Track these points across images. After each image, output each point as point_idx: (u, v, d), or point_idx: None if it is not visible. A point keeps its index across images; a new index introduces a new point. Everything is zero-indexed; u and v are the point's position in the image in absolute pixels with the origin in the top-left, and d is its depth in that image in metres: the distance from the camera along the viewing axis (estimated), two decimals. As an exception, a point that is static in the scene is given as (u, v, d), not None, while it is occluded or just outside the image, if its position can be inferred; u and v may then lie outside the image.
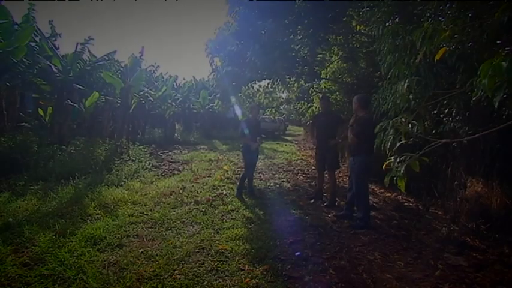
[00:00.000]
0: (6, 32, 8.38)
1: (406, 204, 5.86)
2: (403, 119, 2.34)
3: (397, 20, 3.68)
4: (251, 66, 7.64)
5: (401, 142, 2.30)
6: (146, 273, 3.10)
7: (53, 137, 9.01)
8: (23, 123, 9.84)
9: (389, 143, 2.37)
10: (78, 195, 5.32)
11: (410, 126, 2.32)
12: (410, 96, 2.48)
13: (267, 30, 7.32)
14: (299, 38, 7.66)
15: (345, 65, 9.04)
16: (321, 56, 8.60)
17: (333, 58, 9.55)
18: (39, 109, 10.63)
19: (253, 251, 3.68)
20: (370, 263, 3.51)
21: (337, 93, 10.13)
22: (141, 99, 12.28)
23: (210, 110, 18.86)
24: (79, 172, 6.40)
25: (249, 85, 10.51)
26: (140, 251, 3.54)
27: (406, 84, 2.34)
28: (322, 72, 9.84)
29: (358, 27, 7.74)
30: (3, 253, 3.31)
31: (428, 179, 5.39)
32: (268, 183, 7.24)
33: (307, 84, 11.70)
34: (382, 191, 6.79)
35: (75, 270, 3.06)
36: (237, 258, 3.50)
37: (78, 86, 10.25)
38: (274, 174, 8.33)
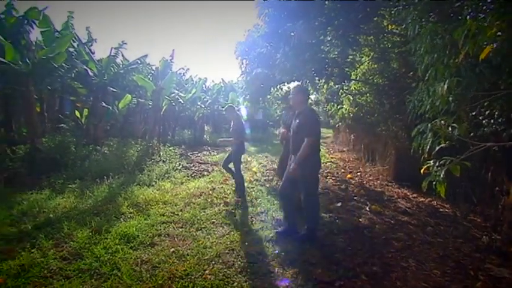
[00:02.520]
0: (48, 39, 8.85)
1: (441, 210, 5.63)
2: (442, 122, 2.24)
3: (434, 18, 3.54)
4: (281, 68, 7.59)
5: (441, 145, 2.21)
6: (177, 272, 3.16)
7: (89, 138, 9.39)
8: (62, 125, 10.32)
9: (428, 146, 2.27)
10: (112, 194, 5.51)
11: (450, 129, 2.22)
12: (450, 98, 2.36)
13: (297, 31, 7.26)
14: (329, 39, 7.56)
15: (376, 65, 8.82)
16: (351, 57, 8.42)
17: (363, 59, 9.34)
18: (76, 111, 11.13)
19: (282, 253, 3.65)
20: (404, 270, 3.39)
21: (368, 94, 9.90)
22: (172, 101, 12.53)
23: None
24: (113, 172, 6.61)
25: (278, 87, 10.44)
26: (171, 250, 3.61)
27: (446, 86, 2.24)
28: (353, 73, 9.65)
29: (390, 26, 7.53)
30: (45, 247, 3.50)
31: (466, 184, 5.14)
32: (297, 186, 7.18)
33: (337, 86, 11.50)
34: (415, 195, 6.56)
35: (110, 266, 3.17)
36: (267, 260, 3.49)
37: (112, 89, 10.63)
38: (303, 177, 8.25)
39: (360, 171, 9.45)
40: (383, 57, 8.13)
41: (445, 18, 2.95)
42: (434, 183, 2.08)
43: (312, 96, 19.23)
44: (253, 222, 4.67)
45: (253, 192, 6.29)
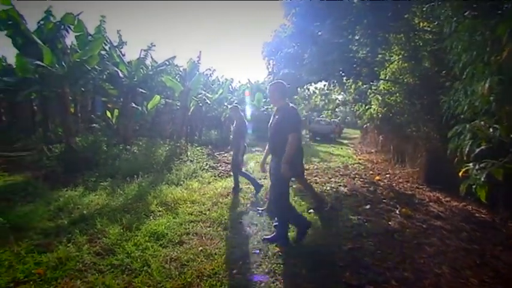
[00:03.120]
0: (82, 43, 9.22)
1: (477, 215, 5.39)
2: (482, 123, 2.13)
3: (470, 14, 3.38)
4: (308, 68, 7.55)
5: (481, 147, 2.10)
6: (206, 270, 3.19)
7: (119, 138, 9.68)
8: (94, 125, 10.70)
9: (467, 148, 2.17)
10: (141, 192, 5.64)
11: (491, 130, 2.11)
12: (491, 98, 2.24)
13: (325, 31, 7.20)
14: (357, 38, 7.43)
15: (406, 64, 8.57)
16: (380, 56, 8.22)
17: (393, 58, 9.09)
18: (107, 112, 11.50)
19: (310, 255, 3.61)
20: (438, 277, 3.26)
21: (397, 94, 9.63)
22: (199, 102, 12.71)
23: (265, 112, 18.98)
24: (142, 171, 6.77)
25: (305, 87, 10.38)
26: (200, 248, 3.65)
27: (487, 85, 2.13)
28: (381, 72, 9.42)
29: (421, 24, 7.29)
30: (80, 242, 3.64)
31: (506, 189, 4.89)
32: (324, 187, 7.09)
33: (365, 86, 11.28)
34: (448, 199, 6.32)
35: (140, 263, 3.25)
36: (293, 261, 3.46)
37: (141, 90, 10.91)
38: (330, 178, 8.13)
39: (388, 173, 9.21)
40: (414, 56, 7.88)
41: (484, 14, 2.81)
42: (474, 186, 1.98)
43: (339, 97, 19.04)
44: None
45: (280, 193, 6.26)
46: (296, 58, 8.19)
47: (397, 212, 5.41)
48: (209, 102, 13.86)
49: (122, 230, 4.00)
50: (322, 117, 22.43)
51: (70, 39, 9.89)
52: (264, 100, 18.39)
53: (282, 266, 3.36)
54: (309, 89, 12.10)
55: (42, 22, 9.25)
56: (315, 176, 8.24)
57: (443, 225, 4.83)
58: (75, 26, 9.21)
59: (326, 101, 19.24)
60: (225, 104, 15.81)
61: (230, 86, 18.18)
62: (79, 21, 9.17)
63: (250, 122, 16.85)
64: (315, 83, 9.84)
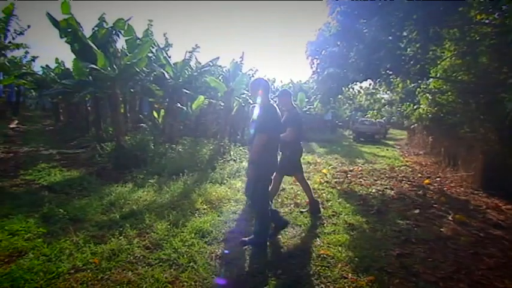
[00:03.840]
0: (131, 46, 9.66)
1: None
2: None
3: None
4: (354, 67, 7.34)
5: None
6: (251, 269, 3.22)
7: (165, 137, 10.02)
8: (141, 124, 11.18)
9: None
10: (187, 190, 5.79)
11: None
12: None
13: (371, 28, 6.95)
14: (405, 34, 7.08)
15: (460, 61, 8.04)
16: (431, 52, 7.76)
17: (445, 54, 8.55)
18: (154, 112, 11.97)
19: (356, 259, 3.51)
20: (499, 290, 3.02)
21: (449, 93, 9.09)
22: (241, 102, 12.82)
23: (307, 112, 18.77)
24: (187, 169, 6.95)
25: (349, 86, 10.10)
26: (244, 247, 3.67)
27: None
28: (432, 70, 8.92)
29: (478, 16, 6.79)
30: (130, 235, 3.81)
31: None
32: (370, 190, 6.86)
33: (413, 85, 10.76)
34: (509, 207, 5.88)
35: (187, 258, 3.33)
36: (340, 265, 3.38)
37: (186, 91, 11.22)
38: (376, 180, 7.86)
39: (439, 177, 8.73)
40: (469, 52, 7.36)
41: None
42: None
43: (385, 96, 18.33)
44: (325, 225, 4.56)
45: (324, 195, 6.16)
46: (341, 57, 7.98)
47: (450, 218, 5.11)
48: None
49: (169, 226, 4.13)
50: (367, 117, 21.76)
51: (120, 43, 10.50)
52: (306, 100, 18.19)
53: (326, 268, 3.30)
54: (353, 88, 11.77)
55: (96, 28, 9.84)
56: (359, 178, 8.01)
57: (504, 235, 4.49)
58: (125, 30, 9.68)
59: (371, 100, 18.60)
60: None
61: (272, 86, 18.16)
62: (129, 26, 9.63)
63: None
64: (360, 82, 9.53)
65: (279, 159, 4.46)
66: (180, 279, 2.98)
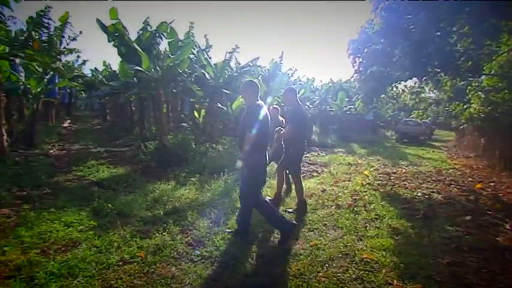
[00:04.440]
0: (174, 48, 9.96)
1: None
2: None
3: None
4: (399, 65, 7.06)
5: None
6: (291, 270, 3.18)
7: (206, 136, 10.22)
8: (183, 124, 11.48)
9: None
10: (227, 189, 5.87)
11: None
12: None
13: (418, 24, 6.63)
14: (455, 29, 6.67)
15: (519, 56, 7.46)
16: (486, 47, 7.24)
17: (501, 49, 7.94)
18: (195, 111, 12.24)
19: (402, 265, 3.36)
20: None
21: (506, 91, 8.47)
22: (281, 102, 12.78)
23: (348, 112, 18.33)
24: (227, 168, 7.03)
25: (393, 85, 9.73)
26: (285, 248, 3.64)
27: None
28: (485, 66, 8.34)
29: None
30: (174, 232, 3.92)
31: None
32: (415, 193, 6.56)
33: (463, 83, 10.15)
34: None
35: (228, 256, 3.37)
36: (384, 270, 3.25)
37: (225, 91, 11.36)
38: (421, 184, 7.50)
39: (493, 181, 8.16)
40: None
41: None
42: None
43: (432, 95, 17.49)
44: (368, 228, 4.41)
45: (366, 197, 5.97)
46: (385, 55, 7.70)
47: (508, 226, 4.74)
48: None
49: (210, 224, 4.20)
50: (412, 117, 20.85)
51: (163, 45, 10.90)
52: (347, 99, 17.77)
53: (370, 273, 3.18)
54: (397, 87, 11.32)
55: (141, 32, 10.25)
56: (403, 181, 7.69)
57: None
58: (167, 33, 10.01)
59: (416, 100, 17.77)
60: (307, 103, 15.66)
61: (312, 86, 17.95)
62: (171, 28, 9.94)
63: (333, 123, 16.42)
64: (404, 81, 9.13)
65: (282, 155, 5.03)
66: (222, 276, 3.02)
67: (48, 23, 9.55)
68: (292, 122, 4.85)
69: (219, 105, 11.50)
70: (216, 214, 4.54)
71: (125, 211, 4.52)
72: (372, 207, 5.37)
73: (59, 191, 5.35)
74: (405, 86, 18.22)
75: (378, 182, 7.23)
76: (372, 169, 8.96)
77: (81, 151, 9.82)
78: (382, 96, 11.05)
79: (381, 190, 6.56)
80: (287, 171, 5.63)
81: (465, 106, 10.72)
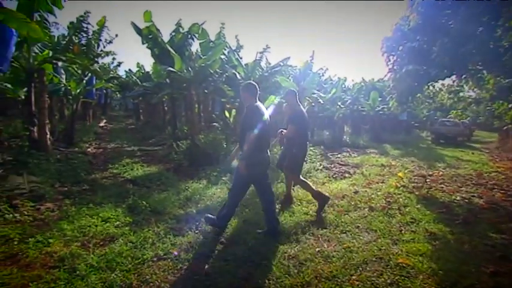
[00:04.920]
0: (205, 49, 10.10)
1: None
2: None
3: None
4: (437, 63, 6.76)
5: None
6: (324, 272, 3.11)
7: (236, 136, 10.26)
8: (214, 124, 11.60)
9: None
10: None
11: None
12: None
13: (457, 20, 6.33)
14: (499, 23, 6.29)
15: None
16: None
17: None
18: (226, 111, 12.33)
19: (440, 272, 3.20)
20: None
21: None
22: (312, 101, 12.66)
23: (380, 112, 17.82)
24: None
25: (430, 84, 9.34)
26: (317, 249, 3.59)
27: None
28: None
29: None
30: (206, 230, 3.97)
31: None
32: (453, 197, 6.25)
33: (508, 80, 9.58)
34: None
35: (260, 256, 3.36)
36: (421, 276, 3.11)
37: (256, 91, 11.37)
38: (460, 187, 7.14)
39: (544, 187, 7.62)
40: None
41: None
42: None
43: (472, 94, 16.64)
44: (403, 232, 4.25)
45: (401, 199, 5.75)
46: (421, 52, 7.41)
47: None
48: (322, 102, 13.68)
49: (242, 224, 4.22)
50: (450, 117, 19.93)
51: (195, 46, 11.13)
52: (380, 99, 17.28)
53: (406, 279, 3.06)
54: (434, 86, 10.83)
55: (173, 33, 10.48)
56: (440, 184, 7.36)
57: None
58: (199, 34, 10.16)
59: (455, 99, 16.97)
60: (338, 103, 15.38)
61: (343, 85, 17.61)
62: (203, 29, 10.09)
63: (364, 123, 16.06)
64: (442, 79, 8.73)
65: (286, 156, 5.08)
66: (254, 276, 3.02)
67: (87, 28, 9.98)
68: (294, 122, 4.88)
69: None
70: (247, 214, 4.55)
71: (158, 208, 4.63)
72: (407, 210, 5.17)
73: (97, 188, 5.57)
74: (442, 85, 17.46)
75: (412, 185, 6.97)
76: (406, 171, 8.65)
77: (116, 150, 10.18)
78: (418, 95, 10.64)
79: (416, 193, 6.31)
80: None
81: (510, 105, 10.12)
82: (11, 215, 4.01)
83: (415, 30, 7.29)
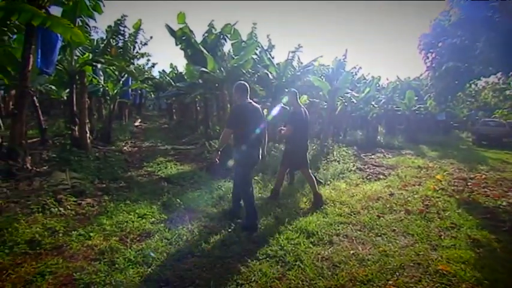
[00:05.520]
0: (237, 49, 10.15)
1: None
2: None
3: None
4: (481, 60, 6.39)
5: None
6: (358, 275, 3.04)
7: (268, 136, 10.25)
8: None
9: None
10: (290, 189, 5.84)
11: None
12: None
13: (505, 12, 5.95)
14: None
15: None
16: None
17: None
18: (257, 111, 12.35)
19: (486, 282, 3.02)
20: None
21: None
22: (344, 101, 12.41)
23: (417, 111, 17.15)
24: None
25: (472, 82, 8.87)
26: (351, 252, 3.50)
27: None
28: None
29: None
30: (239, 229, 3.97)
31: None
32: (499, 202, 5.88)
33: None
34: None
35: (293, 257, 3.32)
36: (464, 285, 2.96)
37: (287, 90, 11.28)
38: (506, 192, 6.69)
39: None
40: None
41: None
42: None
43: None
44: (443, 237, 4.05)
45: (440, 203, 5.50)
46: (463, 49, 7.03)
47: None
48: (355, 101, 13.36)
49: (274, 223, 4.20)
50: (494, 117, 18.78)
51: (227, 46, 11.23)
52: (416, 98, 16.64)
53: (447, 287, 2.92)
54: (476, 84, 10.24)
55: (206, 34, 10.62)
56: (483, 188, 6.95)
57: None
58: (231, 34, 10.22)
59: (500, 97, 15.93)
60: (372, 103, 14.97)
61: (377, 84, 17.11)
62: (235, 30, 10.14)
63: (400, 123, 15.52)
64: (486, 77, 8.25)
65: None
66: (287, 276, 2.99)
67: (123, 31, 10.33)
68: (292, 122, 5.18)
69: (282, 104, 11.46)
70: (279, 213, 4.52)
71: (192, 206, 4.72)
72: (446, 214, 4.92)
73: (133, 185, 5.75)
74: (486, 83, 16.45)
75: (452, 188, 6.64)
76: (445, 173, 8.25)
77: (150, 148, 10.47)
78: (458, 94, 10.13)
79: (457, 197, 6.01)
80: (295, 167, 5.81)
81: None
82: (56, 209, 4.26)
83: (457, 25, 6.94)
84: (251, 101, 4.26)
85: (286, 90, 11.40)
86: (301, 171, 5.53)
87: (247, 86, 4.21)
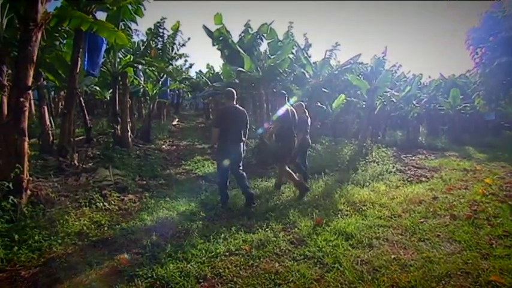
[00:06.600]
0: (274, 48, 10.13)
1: None
2: None
3: None
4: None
5: None
6: (400, 281, 2.91)
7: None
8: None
9: None
10: (328, 190, 5.74)
11: None
12: None
13: None
14: None
15: None
16: None
17: None
18: (293, 111, 12.25)
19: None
20: None
21: None
22: (383, 100, 12.00)
23: (462, 111, 16.20)
24: (327, 169, 6.87)
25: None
26: (392, 256, 3.37)
27: None
28: None
29: None
30: (275, 229, 4.00)
31: None
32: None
33: None
34: None
35: (332, 259, 3.25)
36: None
37: (324, 90, 11.10)
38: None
39: None
40: None
41: None
42: None
43: None
44: (494, 246, 3.78)
45: (490, 209, 5.14)
46: (518, 43, 6.56)
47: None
48: (394, 100, 12.88)
49: (312, 224, 4.15)
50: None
51: (263, 46, 11.28)
52: (461, 97, 15.73)
53: (500, 300, 2.71)
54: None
55: (242, 34, 10.69)
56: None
57: None
58: (268, 34, 10.21)
59: None
60: (413, 102, 14.35)
61: (419, 83, 16.38)
62: (271, 29, 10.13)
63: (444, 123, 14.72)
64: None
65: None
66: (325, 278, 2.93)
67: (163, 33, 10.66)
68: (278, 120, 5.64)
69: (319, 104, 11.30)
70: (317, 215, 4.46)
71: (229, 205, 4.79)
72: (497, 221, 4.58)
73: (172, 183, 5.95)
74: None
75: (504, 193, 6.18)
76: (495, 177, 7.70)
77: (188, 147, 10.72)
78: (512, 91, 9.44)
79: (510, 202, 5.60)
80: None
81: None
82: (101, 204, 4.52)
83: (510, 17, 6.48)
84: (236, 105, 4.94)
85: (324, 90, 11.29)
86: (278, 165, 5.81)
87: (234, 92, 4.94)
